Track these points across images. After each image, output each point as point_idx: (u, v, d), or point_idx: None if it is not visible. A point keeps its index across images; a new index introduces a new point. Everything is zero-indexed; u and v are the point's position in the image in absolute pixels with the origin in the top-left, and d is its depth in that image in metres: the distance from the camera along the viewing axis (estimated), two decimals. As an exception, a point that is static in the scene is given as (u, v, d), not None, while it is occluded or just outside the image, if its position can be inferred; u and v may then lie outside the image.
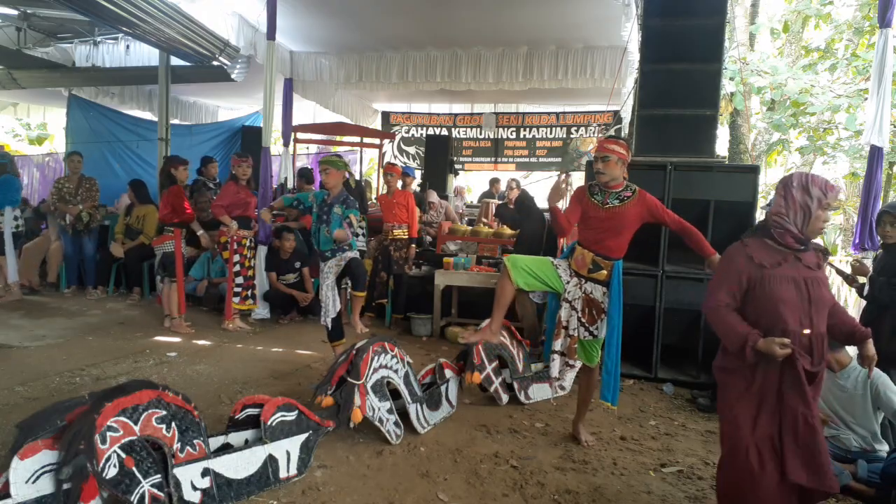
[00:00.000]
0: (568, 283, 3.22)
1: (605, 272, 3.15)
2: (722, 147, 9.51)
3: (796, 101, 8.51)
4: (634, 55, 6.19)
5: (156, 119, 8.59)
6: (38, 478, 2.02)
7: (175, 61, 7.52)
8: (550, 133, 11.57)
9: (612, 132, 10.06)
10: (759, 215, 5.37)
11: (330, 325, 4.21)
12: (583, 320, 3.20)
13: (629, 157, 3.17)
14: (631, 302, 3.64)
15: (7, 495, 1.97)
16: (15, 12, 7.50)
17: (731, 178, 4.53)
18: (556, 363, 3.26)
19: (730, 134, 9.93)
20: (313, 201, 4.33)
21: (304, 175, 7.94)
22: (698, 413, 4.04)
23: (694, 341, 4.51)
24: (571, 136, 11.33)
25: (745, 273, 2.21)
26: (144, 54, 8.02)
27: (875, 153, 4.52)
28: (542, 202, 6.98)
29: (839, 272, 4.12)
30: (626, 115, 7.79)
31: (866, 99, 6.44)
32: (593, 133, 11.01)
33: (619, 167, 3.11)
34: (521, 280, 3.14)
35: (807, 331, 2.15)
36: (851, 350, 4.34)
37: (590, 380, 3.35)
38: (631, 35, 6.18)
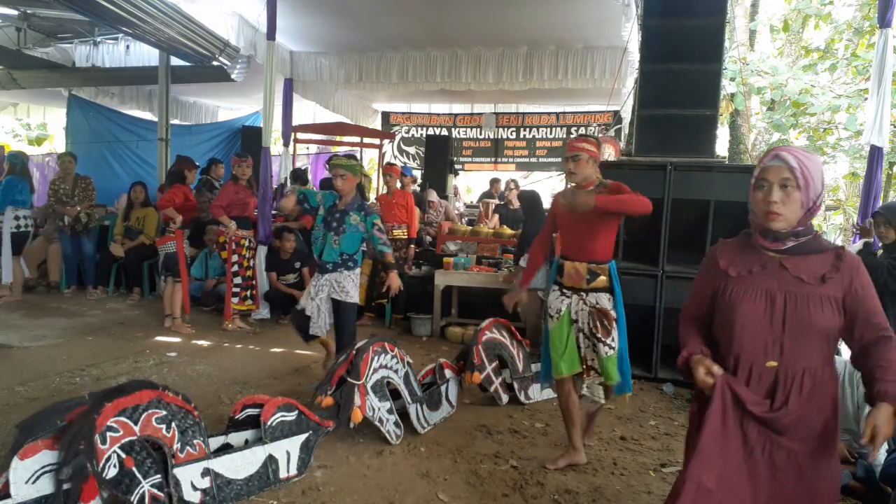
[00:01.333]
0: (569, 306, 3.04)
1: (603, 278, 3.01)
2: (722, 147, 9.51)
3: (796, 101, 8.51)
4: (634, 55, 6.20)
5: (156, 119, 8.60)
6: (38, 478, 2.02)
7: (175, 61, 7.53)
8: (550, 133, 11.57)
9: (611, 132, 10.06)
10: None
11: (309, 330, 3.90)
12: (598, 336, 2.97)
13: (601, 156, 3.04)
14: (631, 302, 3.63)
15: (7, 495, 1.97)
16: (15, 12, 7.51)
17: (731, 178, 4.53)
18: (598, 389, 3.05)
19: (730, 134, 9.94)
20: (321, 203, 3.91)
21: (299, 177, 7.93)
22: (698, 413, 4.05)
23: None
24: (571, 136, 11.33)
25: (711, 281, 1.84)
26: (144, 54, 8.03)
27: (875, 153, 4.53)
28: (547, 203, 6.97)
29: None
30: (626, 115, 7.80)
31: (866, 99, 6.44)
32: (594, 133, 11.02)
33: (590, 166, 2.98)
34: (569, 367, 3.00)
35: (772, 363, 1.68)
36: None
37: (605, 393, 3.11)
38: (631, 35, 6.18)
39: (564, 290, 3.08)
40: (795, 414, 1.66)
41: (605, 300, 3.01)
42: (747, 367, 1.71)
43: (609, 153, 7.59)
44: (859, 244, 3.84)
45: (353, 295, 3.87)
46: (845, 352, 4.56)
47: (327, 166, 7.02)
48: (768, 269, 1.72)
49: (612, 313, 3.00)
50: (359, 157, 11.01)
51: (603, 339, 2.97)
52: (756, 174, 1.74)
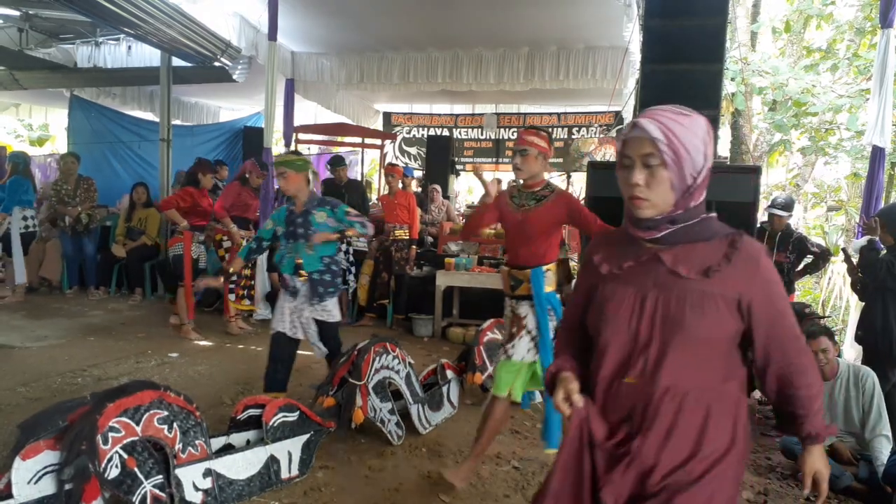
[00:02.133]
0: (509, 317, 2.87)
1: (527, 285, 2.74)
2: (723, 147, 9.50)
3: (798, 101, 8.49)
4: (636, 55, 6.20)
5: (157, 120, 8.59)
6: (40, 478, 2.03)
7: (177, 62, 7.53)
8: (552, 134, 11.54)
9: (613, 133, 10.05)
10: (761, 216, 5.37)
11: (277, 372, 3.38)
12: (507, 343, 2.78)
13: (552, 152, 2.83)
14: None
15: (9, 496, 1.97)
16: (17, 13, 7.51)
17: (732, 179, 4.50)
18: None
19: (731, 134, 9.92)
20: (274, 224, 3.43)
21: None
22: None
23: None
24: (573, 136, 11.31)
25: (586, 280, 1.47)
26: (146, 55, 8.03)
27: (877, 153, 4.53)
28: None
29: (847, 260, 4.07)
30: (628, 115, 7.79)
31: (868, 99, 6.43)
32: (595, 134, 11.01)
33: (539, 162, 2.74)
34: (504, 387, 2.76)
35: (629, 379, 1.30)
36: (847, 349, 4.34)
37: (494, 410, 2.80)
38: (632, 35, 6.18)
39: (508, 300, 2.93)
40: (651, 450, 1.25)
41: (524, 308, 2.78)
42: (605, 385, 1.33)
43: (610, 154, 7.57)
44: (863, 240, 3.83)
45: (336, 314, 3.44)
46: (847, 353, 4.52)
47: (328, 167, 7.02)
48: (643, 264, 1.33)
49: (524, 323, 2.75)
50: (360, 157, 11.09)
51: (504, 346, 2.80)
52: (618, 148, 1.36)
